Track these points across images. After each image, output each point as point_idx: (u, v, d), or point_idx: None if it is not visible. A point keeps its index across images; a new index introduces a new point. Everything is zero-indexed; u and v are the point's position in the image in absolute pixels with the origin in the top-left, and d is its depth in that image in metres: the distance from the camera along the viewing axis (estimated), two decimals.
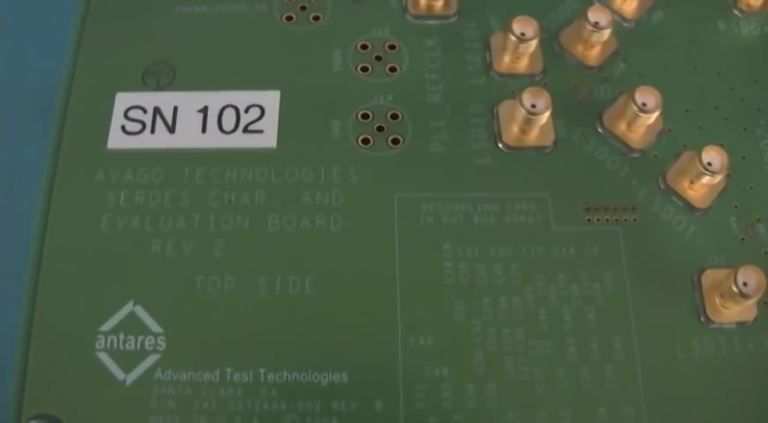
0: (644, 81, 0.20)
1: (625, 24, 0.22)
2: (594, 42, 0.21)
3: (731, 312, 0.19)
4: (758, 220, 0.20)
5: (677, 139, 0.21)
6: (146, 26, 0.22)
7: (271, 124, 0.21)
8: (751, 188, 0.20)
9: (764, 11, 0.23)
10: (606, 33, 0.21)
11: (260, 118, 0.21)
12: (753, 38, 0.22)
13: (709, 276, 0.19)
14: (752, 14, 0.23)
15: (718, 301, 0.19)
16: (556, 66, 0.22)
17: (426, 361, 0.18)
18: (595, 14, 0.21)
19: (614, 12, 0.22)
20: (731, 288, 0.18)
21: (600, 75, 0.22)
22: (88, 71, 0.21)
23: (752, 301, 0.18)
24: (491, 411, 0.18)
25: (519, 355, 0.19)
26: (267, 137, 0.21)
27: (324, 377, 0.18)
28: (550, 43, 0.22)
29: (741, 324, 0.19)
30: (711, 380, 0.18)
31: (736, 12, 0.22)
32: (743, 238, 0.20)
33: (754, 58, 0.22)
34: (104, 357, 0.18)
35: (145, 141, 0.21)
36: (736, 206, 0.20)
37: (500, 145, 0.21)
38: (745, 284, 0.18)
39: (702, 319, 0.19)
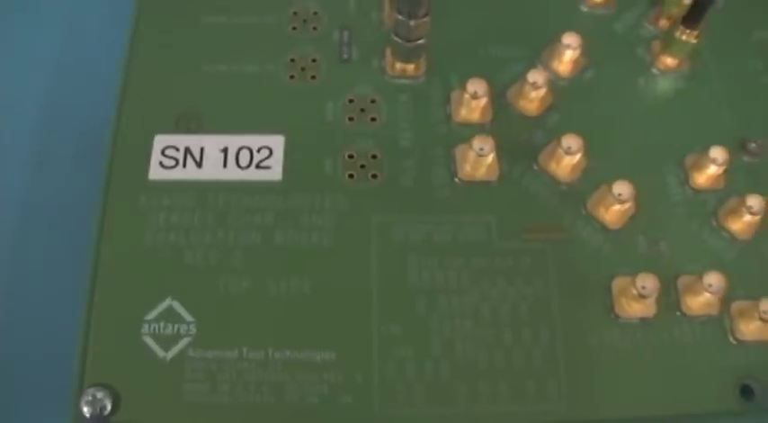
0: (575, 128, 0.22)
1: (561, 82, 0.24)
2: (533, 98, 0.23)
3: (635, 310, 0.21)
4: (661, 239, 0.22)
5: (598, 175, 0.22)
6: (178, 81, 0.23)
7: (277, 162, 0.22)
8: (656, 214, 0.22)
9: (677, 70, 0.24)
10: (542, 91, 0.23)
11: (269, 157, 0.22)
12: (667, 92, 0.24)
13: (618, 282, 0.21)
14: (667, 72, 0.24)
15: (624, 301, 0.21)
16: (502, 116, 0.23)
17: (395, 344, 0.20)
18: (533, 76, 0.23)
19: (552, 72, 0.24)
20: (633, 290, 0.20)
21: (537, 124, 0.23)
22: (132, 118, 0.23)
23: (650, 301, 0.20)
24: (444, 382, 0.20)
25: (467, 340, 0.20)
26: (274, 172, 0.22)
27: (317, 355, 0.20)
28: (499, 98, 0.23)
29: (643, 319, 0.21)
30: (618, 362, 0.20)
31: (654, 70, 0.24)
32: (647, 253, 0.21)
33: (667, 110, 0.24)
34: (149, 340, 0.20)
35: (178, 174, 0.22)
36: (643, 228, 0.22)
37: (456, 179, 0.22)
38: (643, 287, 0.20)
39: (612, 315, 0.21)
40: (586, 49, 0.24)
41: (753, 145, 0.23)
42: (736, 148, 0.23)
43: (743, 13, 0.26)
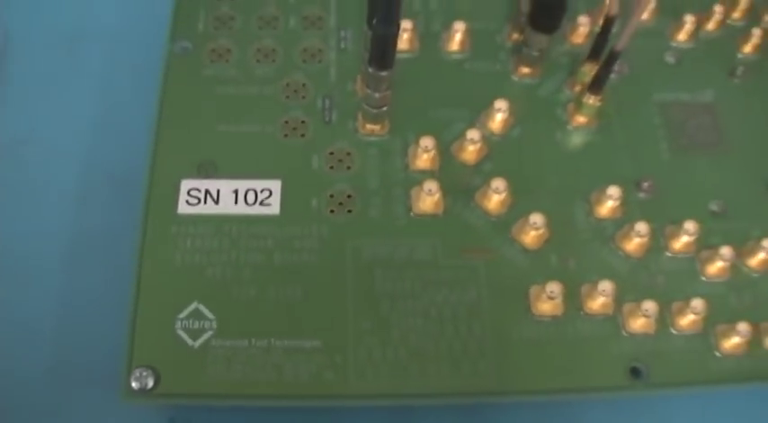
0: (504, 174, 0.25)
1: (494, 138, 0.27)
2: (471, 151, 0.26)
3: (546, 309, 0.24)
4: (570, 257, 0.25)
5: (521, 209, 0.25)
6: (199, 138, 0.26)
7: (276, 200, 0.25)
8: (566, 238, 0.25)
9: (587, 126, 0.28)
10: (479, 145, 0.26)
11: (269, 196, 0.25)
12: (579, 144, 0.28)
13: (534, 289, 0.24)
14: (579, 128, 0.28)
15: (538, 303, 0.24)
16: (448, 165, 0.26)
17: (365, 335, 0.23)
18: (471, 134, 0.26)
19: (487, 130, 0.27)
20: (544, 294, 0.24)
21: (475, 171, 0.26)
22: (163, 166, 0.26)
23: (557, 302, 0.23)
24: (402, 364, 0.23)
25: (419, 332, 0.23)
26: (274, 208, 0.25)
27: (307, 343, 0.23)
28: (445, 151, 0.26)
29: (553, 317, 0.24)
30: (534, 349, 0.23)
31: (569, 127, 0.28)
32: (558, 268, 0.25)
33: (578, 158, 0.27)
34: (181, 333, 0.23)
35: (200, 209, 0.25)
36: (555, 249, 0.25)
37: (411, 213, 0.25)
38: (551, 292, 0.23)
39: (529, 314, 0.24)
40: (515, 111, 0.27)
41: (645, 184, 0.27)
42: (633, 187, 0.27)
43: (646, 77, 0.29)
